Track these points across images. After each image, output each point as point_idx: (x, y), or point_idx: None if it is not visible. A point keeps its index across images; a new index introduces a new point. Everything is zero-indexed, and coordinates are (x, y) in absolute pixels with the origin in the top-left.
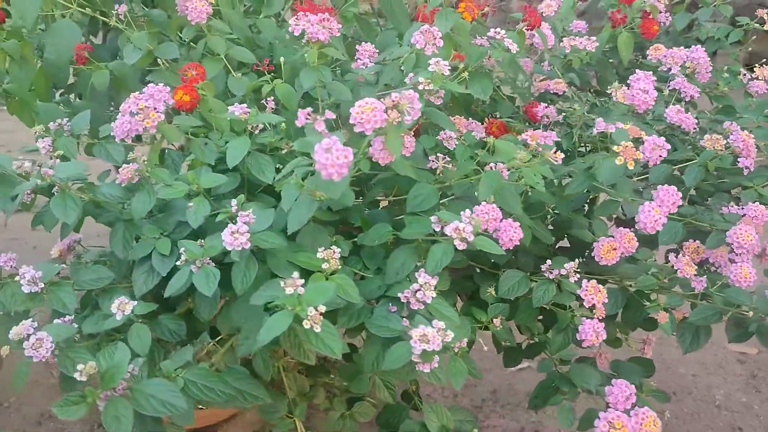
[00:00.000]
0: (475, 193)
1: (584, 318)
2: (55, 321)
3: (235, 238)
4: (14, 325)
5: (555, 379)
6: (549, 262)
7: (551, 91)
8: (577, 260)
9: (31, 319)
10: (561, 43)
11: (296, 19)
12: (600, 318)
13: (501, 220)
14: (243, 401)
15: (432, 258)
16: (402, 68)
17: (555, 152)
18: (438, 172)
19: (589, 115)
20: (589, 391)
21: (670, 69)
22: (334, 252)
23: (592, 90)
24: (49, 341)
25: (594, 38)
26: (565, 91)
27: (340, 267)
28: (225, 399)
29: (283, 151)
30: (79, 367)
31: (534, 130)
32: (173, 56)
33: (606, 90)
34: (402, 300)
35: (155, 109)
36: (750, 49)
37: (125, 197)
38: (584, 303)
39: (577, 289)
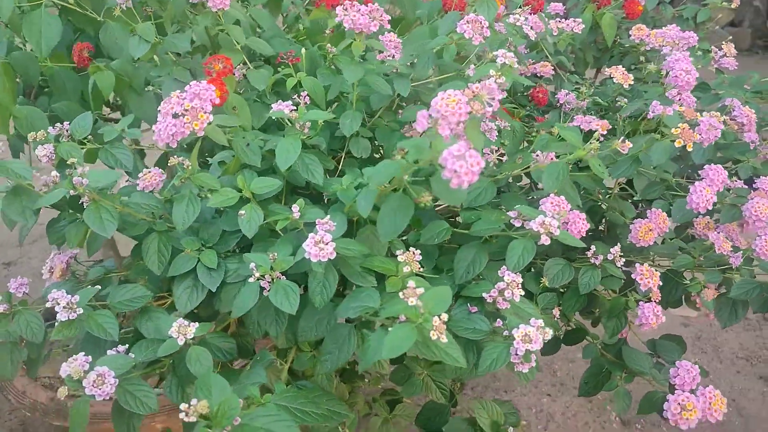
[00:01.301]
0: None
1: (641, 302)
2: (109, 352)
3: (320, 248)
4: (20, 353)
5: (605, 365)
6: (593, 247)
7: (538, 74)
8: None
9: (83, 354)
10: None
11: (345, 9)
12: (656, 301)
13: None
14: (332, 421)
15: (512, 254)
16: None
17: (623, 140)
18: (492, 164)
19: (621, 98)
20: (643, 374)
21: (653, 48)
22: (414, 254)
23: (571, 72)
24: (111, 377)
25: (579, 20)
26: (552, 75)
27: (422, 269)
28: (320, 421)
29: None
30: (184, 407)
31: (540, 114)
32: (185, 48)
33: (582, 72)
34: (488, 300)
35: (203, 109)
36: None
37: (160, 207)
38: (640, 287)
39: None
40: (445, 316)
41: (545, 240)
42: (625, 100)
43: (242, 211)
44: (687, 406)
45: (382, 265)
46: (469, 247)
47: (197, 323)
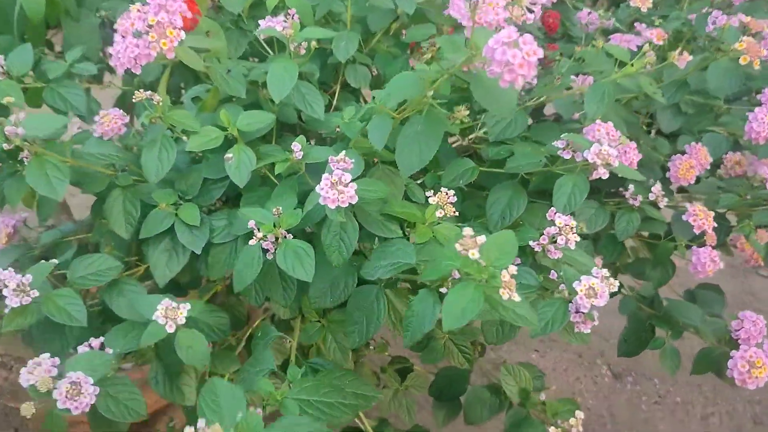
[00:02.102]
0: None
1: (695, 247)
2: (80, 348)
3: (339, 192)
4: None
5: (647, 320)
6: (632, 187)
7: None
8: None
9: (48, 356)
10: None
11: None
12: (712, 245)
13: None
14: (361, 407)
15: (561, 193)
16: None
17: (680, 52)
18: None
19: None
20: (694, 328)
21: None
22: (447, 195)
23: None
24: (88, 384)
25: None
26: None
27: (457, 214)
28: (349, 413)
29: None
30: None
31: (551, 42)
32: None
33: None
34: (536, 249)
35: (172, 24)
36: None
37: (122, 157)
38: (693, 229)
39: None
40: (513, 269)
41: (602, 173)
42: (643, 25)
43: (229, 154)
44: (756, 362)
45: (404, 210)
46: (503, 188)
47: (188, 304)
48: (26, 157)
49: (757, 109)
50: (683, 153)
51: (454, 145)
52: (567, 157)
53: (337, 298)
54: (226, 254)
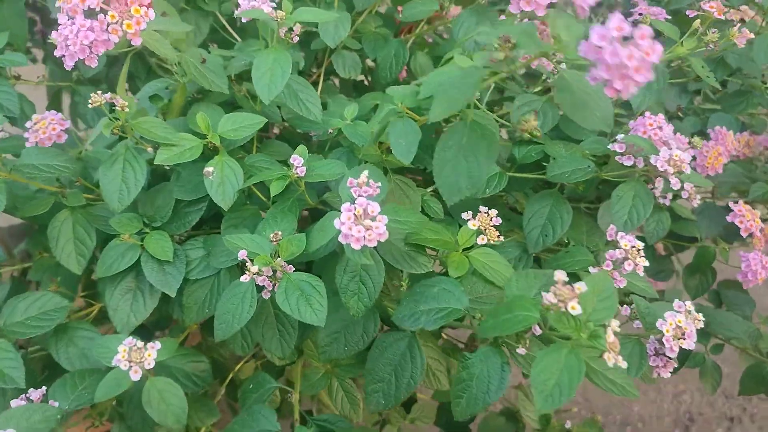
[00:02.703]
0: None
1: (743, 252)
2: (14, 402)
3: (365, 228)
4: None
5: None
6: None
7: None
8: None
9: None
10: None
11: None
12: (760, 248)
13: None
14: None
15: (621, 206)
16: None
17: (740, 28)
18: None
19: None
20: (738, 340)
21: None
22: (490, 217)
23: None
24: None
25: None
26: None
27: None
28: None
29: None
30: None
31: None
32: None
33: None
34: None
35: (138, 1)
36: None
37: (73, 169)
38: (741, 232)
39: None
40: (616, 324)
41: (674, 183)
42: None
43: (209, 168)
44: None
45: (437, 237)
46: (541, 199)
47: (158, 343)
48: None
49: None
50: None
51: None
52: (628, 164)
53: (354, 347)
54: (205, 293)
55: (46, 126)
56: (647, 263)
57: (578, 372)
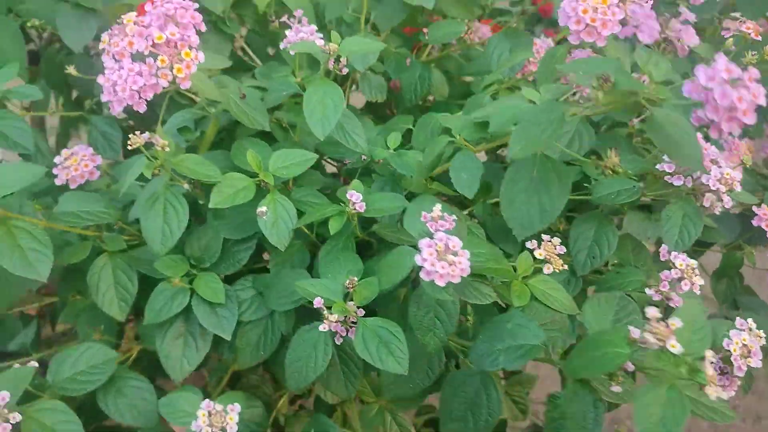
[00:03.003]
0: None
1: None
2: None
3: (448, 263)
4: None
5: None
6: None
7: None
8: None
9: None
10: None
11: None
12: None
13: None
14: None
15: (671, 225)
16: None
17: None
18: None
19: None
20: None
21: None
22: (555, 246)
23: None
24: None
25: None
26: None
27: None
28: None
29: None
30: None
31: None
32: None
33: None
34: (654, 297)
35: (187, 42)
36: None
37: (115, 214)
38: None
39: None
40: (711, 355)
41: (726, 202)
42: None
43: (262, 208)
44: None
45: (499, 266)
46: (586, 221)
47: (237, 405)
48: None
49: None
50: None
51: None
52: (679, 183)
53: (419, 384)
54: (258, 334)
55: (78, 162)
56: (703, 282)
57: (682, 407)
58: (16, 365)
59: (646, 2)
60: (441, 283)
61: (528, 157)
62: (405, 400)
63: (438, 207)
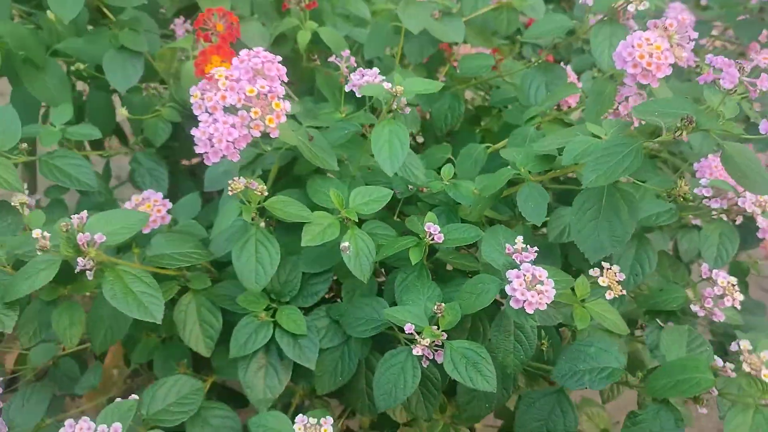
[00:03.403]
0: None
1: None
2: None
3: (537, 293)
4: None
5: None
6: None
7: None
8: None
9: None
10: None
11: None
12: None
13: None
14: None
15: (709, 245)
16: None
17: None
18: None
19: None
20: None
21: None
22: (615, 273)
23: None
24: None
25: None
26: None
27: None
28: None
29: None
30: None
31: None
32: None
33: None
34: (699, 314)
35: (275, 94)
36: None
37: (204, 255)
38: None
39: None
40: None
41: (763, 224)
42: None
43: (345, 243)
44: None
45: (560, 290)
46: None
47: (329, 418)
48: (88, 269)
49: None
50: None
51: None
52: (716, 206)
53: (494, 404)
54: (335, 361)
55: (151, 208)
56: (743, 297)
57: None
58: (118, 399)
59: (688, 44)
60: (530, 310)
61: (596, 187)
62: (470, 418)
63: (520, 239)
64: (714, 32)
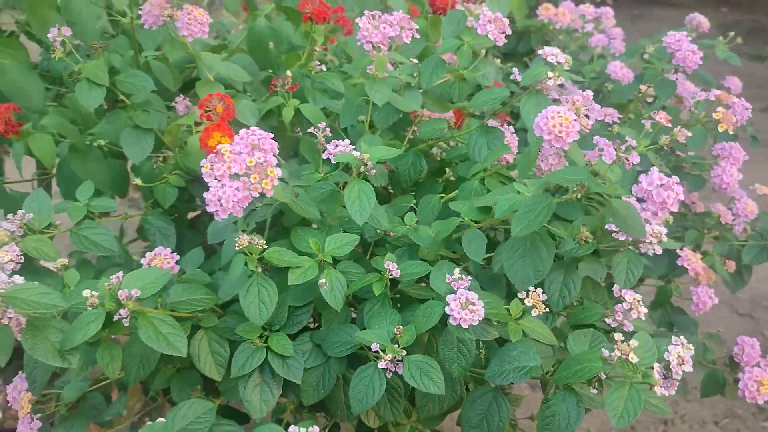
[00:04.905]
0: None
1: (693, 287)
2: None
3: (470, 311)
4: None
5: None
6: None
7: None
8: None
9: None
10: None
11: (371, 20)
12: (708, 284)
13: None
14: None
15: (619, 269)
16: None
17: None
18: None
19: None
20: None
21: (561, 26)
22: (539, 295)
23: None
24: None
25: None
26: None
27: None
28: None
29: None
30: None
31: None
32: (149, 89)
33: None
34: (612, 324)
35: (269, 163)
36: None
37: (213, 298)
38: (690, 272)
39: None
40: (658, 366)
41: (657, 250)
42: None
43: (322, 280)
44: (762, 380)
45: (497, 311)
46: (556, 268)
47: (316, 426)
48: (124, 317)
49: (722, 162)
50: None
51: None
52: (623, 238)
53: (447, 404)
54: (318, 377)
55: (162, 261)
56: (647, 310)
57: (639, 400)
58: (149, 422)
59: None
60: (465, 325)
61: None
62: (431, 419)
63: (457, 270)
64: None
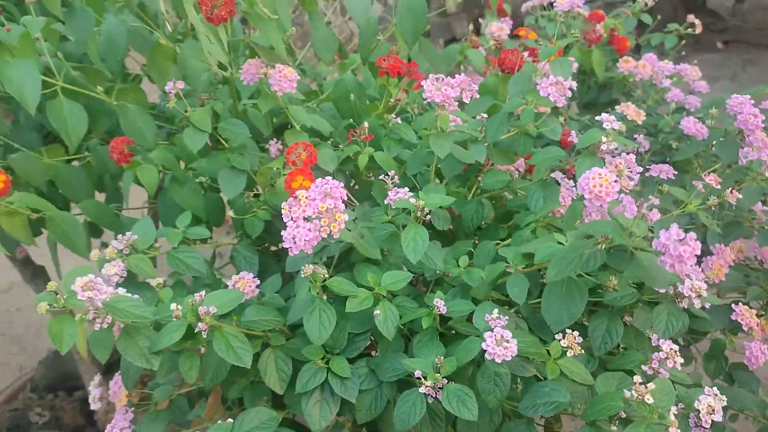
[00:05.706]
0: None
1: (746, 342)
2: None
3: (504, 348)
4: None
5: None
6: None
7: None
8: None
9: None
10: None
11: (434, 83)
12: (761, 339)
13: None
14: None
15: (659, 320)
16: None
17: (731, 191)
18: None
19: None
20: (749, 411)
21: (642, 78)
22: (575, 337)
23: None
24: None
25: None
26: None
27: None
28: None
29: None
30: None
31: None
32: (244, 135)
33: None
34: (648, 372)
35: (338, 209)
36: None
37: (281, 320)
38: (743, 327)
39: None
40: (674, 409)
41: (697, 304)
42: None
43: (377, 311)
44: None
45: (537, 351)
46: (600, 317)
47: None
48: (203, 330)
49: None
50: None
51: None
52: (662, 291)
53: (485, 430)
54: (371, 399)
55: (245, 284)
56: (683, 360)
57: None
58: (219, 421)
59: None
60: (498, 360)
61: (559, 281)
62: None
63: (496, 311)
64: None
